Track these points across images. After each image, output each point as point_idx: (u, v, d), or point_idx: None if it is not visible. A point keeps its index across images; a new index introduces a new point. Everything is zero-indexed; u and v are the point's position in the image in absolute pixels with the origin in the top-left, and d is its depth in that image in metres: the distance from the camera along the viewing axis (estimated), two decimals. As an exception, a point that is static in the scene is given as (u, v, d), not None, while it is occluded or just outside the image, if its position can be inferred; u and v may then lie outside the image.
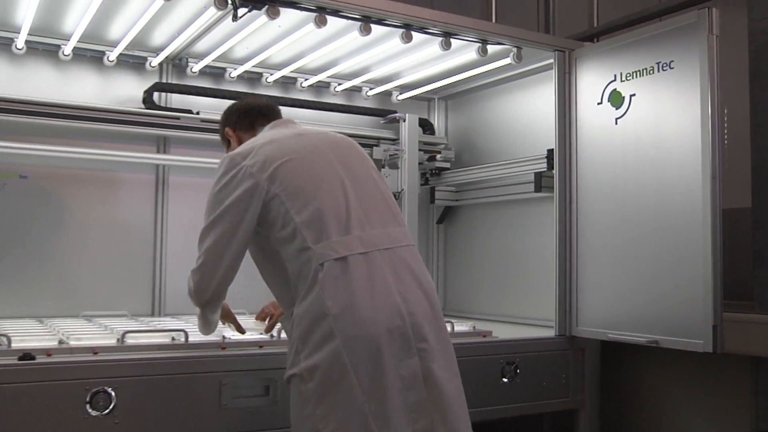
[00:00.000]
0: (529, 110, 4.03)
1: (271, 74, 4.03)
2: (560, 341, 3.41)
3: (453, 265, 4.53)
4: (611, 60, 3.29)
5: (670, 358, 3.38)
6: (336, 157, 2.28)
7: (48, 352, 2.40)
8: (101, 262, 3.64)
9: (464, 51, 3.61)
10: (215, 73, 3.95)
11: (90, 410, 2.32)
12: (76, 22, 3.27)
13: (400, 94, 4.45)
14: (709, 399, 3.36)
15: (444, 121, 4.65)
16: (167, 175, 3.82)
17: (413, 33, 3.30)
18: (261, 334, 2.79)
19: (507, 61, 3.68)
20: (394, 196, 3.94)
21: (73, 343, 2.55)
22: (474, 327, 3.39)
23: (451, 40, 3.40)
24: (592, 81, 3.38)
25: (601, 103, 3.32)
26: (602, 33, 4.18)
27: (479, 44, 3.50)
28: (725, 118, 3.95)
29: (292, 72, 3.99)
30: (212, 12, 3.02)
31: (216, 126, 3.46)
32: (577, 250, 3.41)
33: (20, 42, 3.40)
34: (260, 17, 3.03)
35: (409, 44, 3.36)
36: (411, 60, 3.79)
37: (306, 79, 4.14)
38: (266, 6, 2.93)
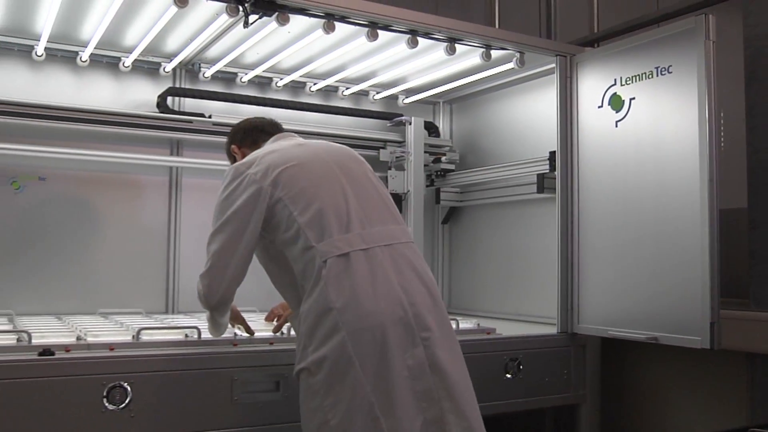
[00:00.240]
0: (531, 113, 4.03)
1: (281, 79, 4.05)
2: (562, 338, 3.41)
3: (458, 264, 4.53)
4: (611, 64, 3.30)
5: (668, 355, 3.38)
6: (335, 162, 2.35)
7: (66, 348, 2.43)
8: (117, 261, 3.65)
9: (468, 56, 3.62)
10: (227, 77, 3.96)
11: (107, 404, 2.35)
12: (93, 30, 3.30)
13: (406, 97, 4.46)
14: (706, 394, 3.37)
15: (449, 124, 4.65)
16: (180, 176, 3.84)
17: (419, 38, 3.30)
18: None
19: (510, 65, 3.68)
20: (400, 196, 4.05)
21: (90, 339, 2.57)
22: (478, 324, 3.40)
23: (456, 45, 3.41)
24: (593, 85, 3.39)
25: (601, 106, 3.33)
26: (602, 38, 4.18)
27: (483, 49, 3.50)
28: (722, 121, 3.97)
29: (301, 76, 4.00)
30: (224, 19, 3.06)
31: (227, 129, 3.55)
32: (579, 249, 3.42)
33: (40, 49, 3.44)
34: (270, 23, 3.06)
35: (414, 49, 3.37)
36: (417, 65, 3.80)
37: (315, 84, 4.15)
38: (276, 13, 2.95)
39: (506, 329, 3.42)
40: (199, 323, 2.86)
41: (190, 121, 3.74)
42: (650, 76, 3.12)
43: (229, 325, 2.59)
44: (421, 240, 4.11)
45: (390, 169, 4.14)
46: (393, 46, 3.46)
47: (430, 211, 4.50)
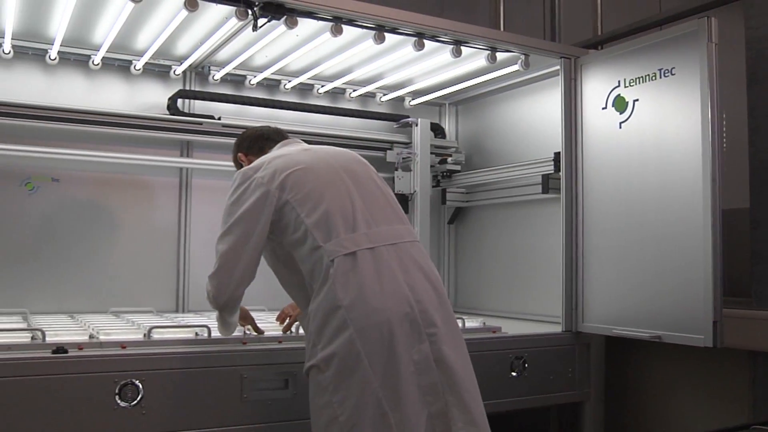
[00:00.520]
0: (536, 115, 4.03)
1: (289, 81, 4.07)
2: (567, 336, 3.42)
3: (464, 264, 4.54)
4: (615, 66, 3.31)
5: (671, 353, 3.39)
6: (340, 165, 2.39)
7: (79, 345, 2.45)
8: (128, 260, 3.69)
9: (474, 58, 3.64)
10: (236, 80, 3.99)
11: (119, 401, 2.37)
12: (105, 34, 3.33)
13: (413, 99, 4.48)
14: (708, 391, 3.38)
15: (455, 125, 4.66)
16: (190, 177, 3.87)
17: (425, 41, 3.33)
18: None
19: (515, 67, 3.70)
20: (407, 197, 4.07)
21: (102, 337, 2.59)
22: (484, 323, 3.42)
23: (462, 47, 3.43)
24: (597, 87, 3.41)
25: (605, 107, 3.35)
26: (606, 41, 4.20)
27: (489, 52, 3.53)
28: (724, 122, 3.98)
29: (309, 79, 4.02)
30: (233, 22, 3.08)
31: (236, 131, 3.58)
32: (583, 249, 3.44)
33: (53, 53, 3.48)
34: (279, 27, 3.08)
35: (421, 52, 3.40)
36: (423, 67, 3.82)
37: (322, 86, 4.17)
38: (285, 16, 2.98)
39: (511, 328, 3.43)
40: (209, 322, 2.89)
41: (200, 123, 3.76)
42: (653, 78, 3.14)
43: (239, 325, 2.62)
44: (428, 240, 4.11)
45: (397, 170, 4.16)
46: (399, 48, 3.49)
47: (436, 211, 4.51)
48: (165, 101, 3.76)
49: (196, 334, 2.75)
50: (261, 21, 2.98)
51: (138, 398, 2.41)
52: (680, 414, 3.50)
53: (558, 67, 3.58)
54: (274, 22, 3.01)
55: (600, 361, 3.57)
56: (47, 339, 2.47)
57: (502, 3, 4.84)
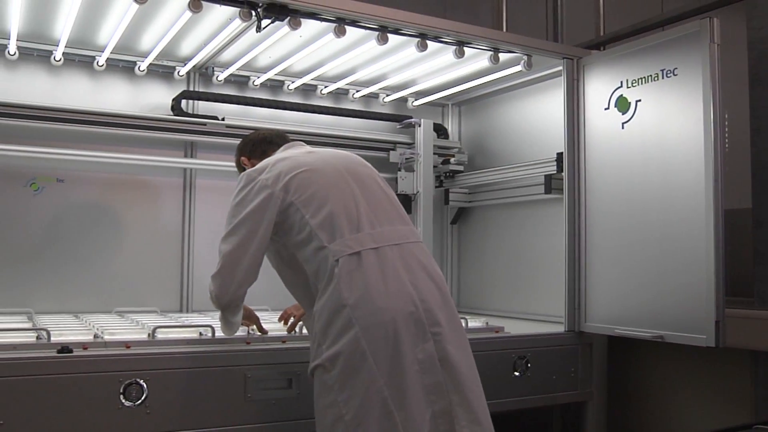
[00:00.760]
0: (539, 115, 4.04)
1: (293, 82, 4.08)
2: (569, 336, 3.43)
3: (466, 264, 4.54)
4: (617, 67, 3.32)
5: (674, 353, 3.38)
6: (344, 167, 2.40)
7: (84, 345, 2.46)
8: (132, 260, 3.70)
9: (477, 59, 3.65)
10: (239, 81, 4.00)
11: (123, 401, 2.38)
12: (109, 35, 3.34)
13: (416, 100, 4.48)
14: (711, 391, 3.38)
15: (457, 125, 4.67)
16: (194, 178, 3.88)
17: (428, 42, 3.33)
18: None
19: (518, 68, 3.69)
20: (410, 197, 4.08)
21: (107, 337, 2.60)
22: (487, 323, 3.42)
23: (464, 48, 3.43)
24: (600, 87, 3.41)
25: (608, 108, 3.35)
26: (608, 41, 4.20)
27: (491, 52, 3.53)
28: (726, 123, 3.98)
29: (312, 80, 4.03)
30: (237, 23, 3.09)
31: (240, 131, 3.60)
32: (586, 249, 3.44)
33: (58, 54, 3.48)
34: (282, 28, 3.08)
35: (424, 53, 3.40)
36: (426, 68, 3.83)
37: (326, 87, 4.17)
38: (288, 17, 2.98)
39: (514, 328, 3.44)
40: (213, 322, 2.89)
41: (204, 124, 3.77)
42: (656, 79, 3.14)
43: (243, 325, 2.63)
44: (431, 240, 4.12)
45: (400, 170, 4.17)
46: (402, 49, 3.49)
47: (439, 211, 4.51)
48: (169, 102, 3.78)
49: (200, 334, 2.75)
50: (265, 22, 3.00)
51: (142, 398, 2.42)
52: (682, 414, 3.50)
53: (560, 68, 3.59)
54: (277, 23, 3.02)
55: (602, 361, 3.56)
56: (52, 339, 2.48)
57: (504, 4, 4.84)
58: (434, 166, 4.29)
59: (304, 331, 2.70)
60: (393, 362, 2.10)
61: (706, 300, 2.88)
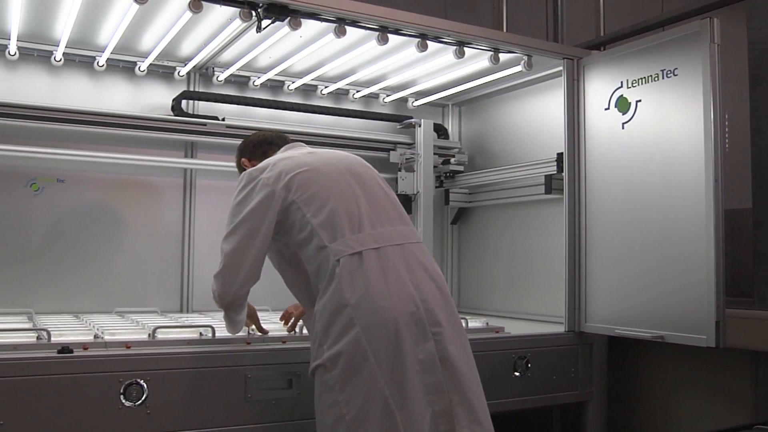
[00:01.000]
0: (539, 115, 4.04)
1: (293, 82, 4.08)
2: (569, 337, 3.43)
3: (467, 264, 4.55)
4: (618, 67, 3.32)
5: (674, 353, 3.38)
6: (345, 167, 2.41)
7: (84, 345, 2.46)
8: (133, 261, 3.70)
9: (477, 59, 3.65)
10: (240, 81, 4.00)
11: (124, 401, 2.38)
12: (109, 35, 3.34)
13: (416, 100, 4.48)
14: (711, 391, 3.38)
15: (458, 126, 4.67)
16: (194, 178, 3.88)
17: (428, 42, 3.33)
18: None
19: (518, 68, 3.69)
20: (410, 197, 4.08)
21: (107, 337, 2.60)
22: (487, 323, 3.42)
23: (465, 48, 3.43)
24: (600, 87, 3.41)
25: (608, 108, 3.35)
26: (609, 42, 4.20)
27: (491, 53, 3.53)
28: (726, 123, 3.98)
29: (312, 80, 4.03)
30: (237, 24, 3.09)
31: (240, 132, 3.60)
32: (586, 249, 3.44)
33: (58, 54, 3.49)
34: (283, 28, 3.08)
35: (424, 53, 3.40)
36: (426, 68, 3.83)
37: (326, 87, 4.17)
38: (288, 18, 2.98)
39: (514, 328, 3.44)
40: (214, 322, 2.91)
41: (204, 124, 3.77)
42: (656, 79, 3.14)
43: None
44: (431, 240, 4.12)
45: (400, 170, 4.17)
46: (403, 49, 3.49)
47: (439, 211, 4.51)
48: (169, 102, 3.78)
49: (201, 334, 2.75)
50: (265, 22, 3.00)
51: (143, 398, 2.42)
52: (683, 414, 3.50)
53: (561, 68, 3.59)
54: (277, 23, 3.02)
55: (603, 361, 3.56)
56: (52, 339, 2.48)
57: (505, 4, 4.84)
58: (434, 167, 4.29)
59: (305, 331, 2.70)
60: (394, 362, 2.10)
61: (706, 300, 2.88)
